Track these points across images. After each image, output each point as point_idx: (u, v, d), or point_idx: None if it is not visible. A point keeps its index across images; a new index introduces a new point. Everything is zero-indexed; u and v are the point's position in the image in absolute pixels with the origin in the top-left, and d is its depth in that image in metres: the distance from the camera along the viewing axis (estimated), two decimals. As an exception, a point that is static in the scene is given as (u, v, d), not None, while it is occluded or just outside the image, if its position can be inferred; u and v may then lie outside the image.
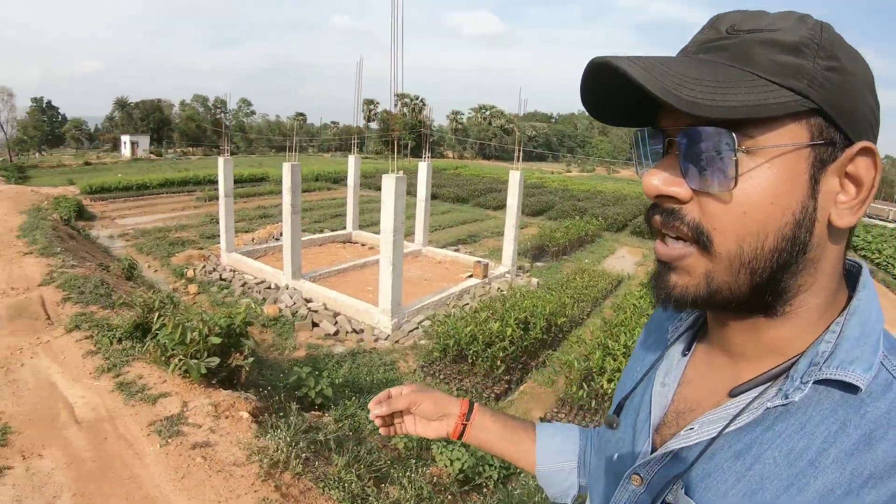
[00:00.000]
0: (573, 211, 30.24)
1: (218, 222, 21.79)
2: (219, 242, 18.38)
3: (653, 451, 0.86)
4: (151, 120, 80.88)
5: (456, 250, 19.95)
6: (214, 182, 35.47)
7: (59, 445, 5.41)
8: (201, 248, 17.96)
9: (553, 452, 1.29)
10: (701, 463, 0.77)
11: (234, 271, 15.65)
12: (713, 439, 0.75)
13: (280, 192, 31.91)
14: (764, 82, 0.65)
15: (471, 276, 15.93)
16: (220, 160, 15.93)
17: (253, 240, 19.15)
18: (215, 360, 6.38)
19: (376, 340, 11.86)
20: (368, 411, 1.31)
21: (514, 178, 16.19)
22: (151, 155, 67.62)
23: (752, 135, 0.66)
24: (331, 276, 15.32)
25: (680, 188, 0.71)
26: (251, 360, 6.98)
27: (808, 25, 0.67)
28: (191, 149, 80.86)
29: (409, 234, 20.84)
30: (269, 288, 14.35)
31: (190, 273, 15.43)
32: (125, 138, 70.63)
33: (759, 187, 0.67)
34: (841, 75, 0.66)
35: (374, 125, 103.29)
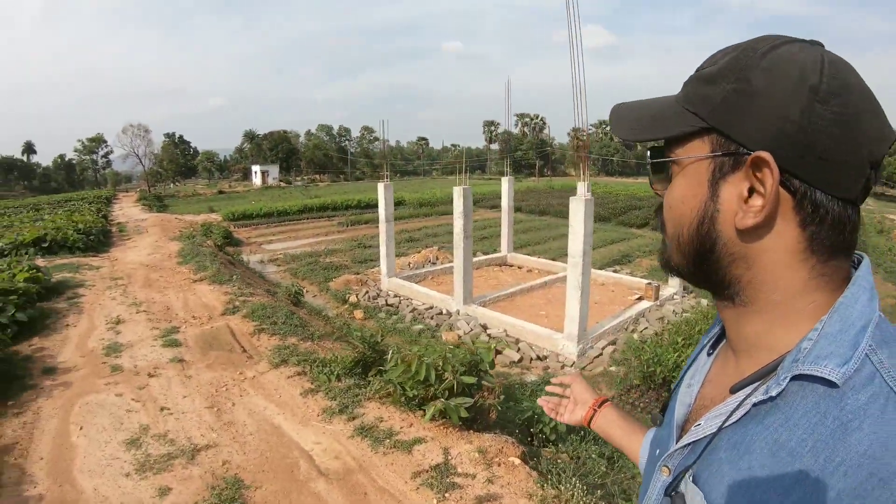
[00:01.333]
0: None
1: (367, 247, 21.55)
2: (373, 267, 18.00)
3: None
4: (280, 150, 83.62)
5: (615, 271, 18.89)
6: (351, 207, 36.15)
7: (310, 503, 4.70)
8: (357, 273, 17.39)
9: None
10: (706, 455, 0.83)
11: (398, 296, 15.01)
12: (715, 433, 0.82)
13: (420, 216, 32.03)
14: (683, 111, 0.82)
15: (640, 298, 14.91)
16: (381, 186, 15.38)
17: (409, 265, 18.51)
18: (468, 401, 5.52)
19: (562, 368, 11.02)
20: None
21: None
22: (281, 183, 69.53)
23: (674, 151, 0.83)
24: (500, 300, 14.50)
25: (658, 187, 0.90)
26: (501, 398, 6.15)
27: (739, 54, 0.78)
28: (318, 176, 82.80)
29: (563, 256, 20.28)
30: (441, 314, 13.63)
31: (353, 298, 14.87)
32: (255, 168, 73.07)
33: (675, 190, 0.84)
34: (748, 96, 0.75)
35: (494, 146, 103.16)
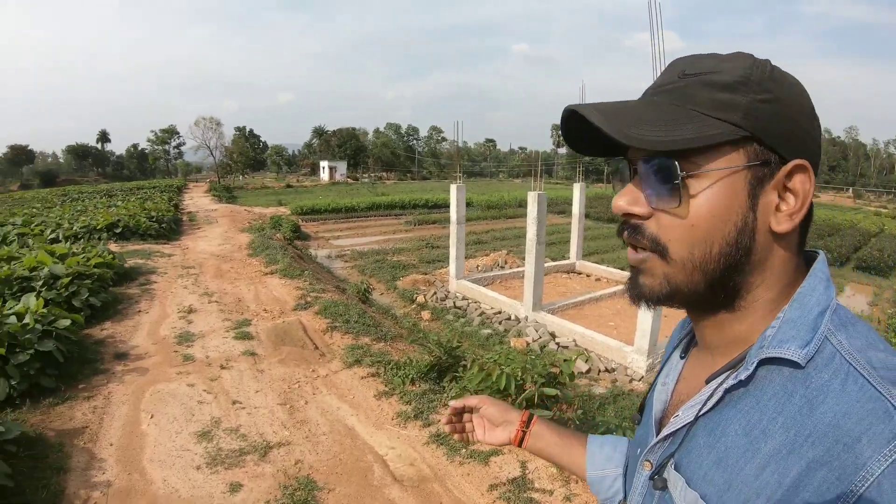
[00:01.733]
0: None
1: (435, 247, 21.40)
2: (441, 268, 17.93)
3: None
4: (348, 147, 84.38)
5: None
6: (418, 206, 36.08)
7: (386, 510, 4.54)
8: (425, 274, 17.27)
9: (602, 460, 1.37)
10: (685, 443, 0.88)
11: (466, 299, 14.84)
12: (692, 422, 0.86)
13: (488, 219, 31.85)
14: (705, 118, 0.78)
15: None
16: (453, 187, 15.12)
17: (478, 267, 18.28)
18: (548, 414, 5.32)
19: (630, 381, 10.70)
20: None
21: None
22: (348, 179, 70.01)
23: (697, 161, 0.79)
24: (568, 308, 14.10)
25: (640, 207, 0.84)
26: (579, 412, 5.96)
27: (745, 65, 0.80)
28: (384, 174, 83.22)
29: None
30: (509, 319, 13.36)
31: (420, 298, 14.74)
32: (324, 163, 73.82)
33: (705, 204, 0.80)
34: (774, 105, 0.78)
35: (562, 150, 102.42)
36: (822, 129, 0.89)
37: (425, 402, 6.30)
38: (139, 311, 9.69)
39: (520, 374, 5.75)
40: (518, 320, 13.26)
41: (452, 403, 1.49)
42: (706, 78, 0.80)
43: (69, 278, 9.59)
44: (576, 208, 18.85)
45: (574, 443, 1.44)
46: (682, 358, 1.05)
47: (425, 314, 13.58)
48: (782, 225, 0.79)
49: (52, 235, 17.69)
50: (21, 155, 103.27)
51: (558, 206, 36.68)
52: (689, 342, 1.06)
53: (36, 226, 19.54)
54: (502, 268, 18.34)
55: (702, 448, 0.84)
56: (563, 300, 14.55)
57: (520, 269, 16.83)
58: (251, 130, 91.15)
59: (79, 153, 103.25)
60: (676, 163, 0.79)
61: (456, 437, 1.52)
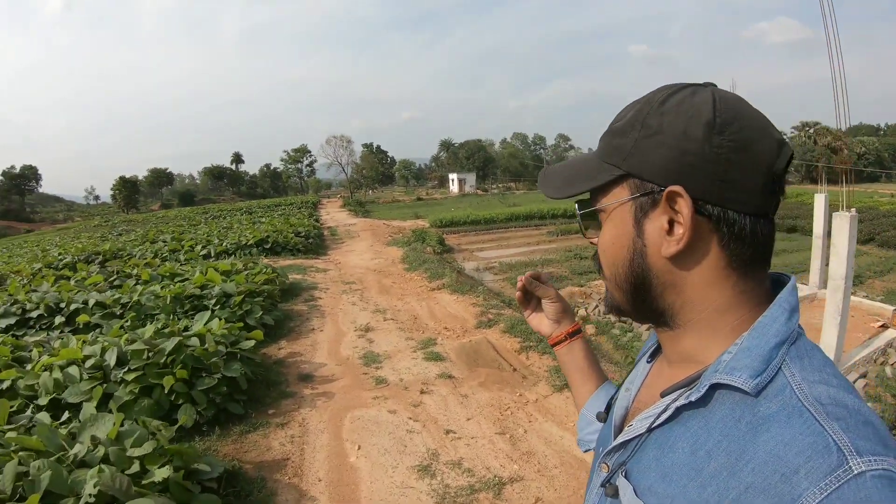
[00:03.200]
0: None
1: (584, 258, 20.56)
2: (594, 279, 16.89)
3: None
4: (476, 158, 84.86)
5: (863, 297, 16.36)
6: (557, 216, 35.32)
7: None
8: (581, 286, 16.39)
9: (597, 404, 1.38)
10: (637, 452, 0.92)
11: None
12: (644, 434, 0.90)
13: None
14: (601, 164, 0.90)
15: (884, 325, 12.82)
16: (819, 197, 13.78)
17: None
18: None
19: None
20: None
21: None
22: (478, 191, 69.91)
23: (599, 200, 0.91)
24: None
25: (592, 237, 0.98)
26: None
27: (642, 106, 0.87)
28: (513, 184, 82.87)
29: (798, 273, 18.37)
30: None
31: (582, 312, 13.82)
32: (453, 175, 74.10)
33: (605, 234, 0.92)
34: (654, 139, 0.83)
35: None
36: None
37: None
38: (313, 329, 9.43)
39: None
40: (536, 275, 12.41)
41: (529, 273, 1.47)
42: (611, 128, 0.91)
43: (241, 296, 9.42)
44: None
45: (593, 378, 1.46)
46: (648, 363, 1.10)
47: (589, 328, 12.79)
48: (669, 248, 0.83)
49: (204, 252, 18.08)
50: (161, 177, 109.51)
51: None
52: (656, 349, 1.10)
53: (187, 242, 19.92)
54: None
55: (651, 460, 0.88)
56: None
57: None
58: (378, 146, 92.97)
59: (215, 174, 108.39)
60: (576, 203, 0.96)
61: (518, 298, 1.48)
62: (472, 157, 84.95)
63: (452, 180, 73.58)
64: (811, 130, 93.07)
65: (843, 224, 9.69)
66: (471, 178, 74.09)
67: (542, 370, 7.48)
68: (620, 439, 0.95)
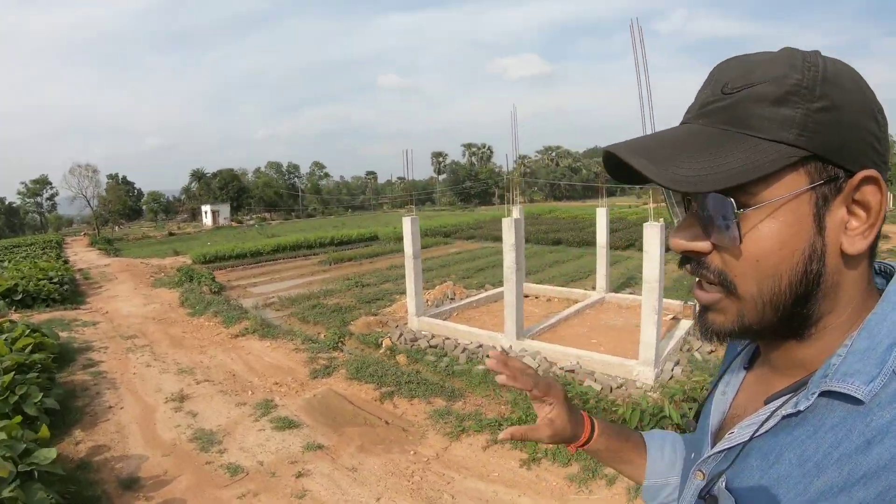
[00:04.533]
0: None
1: (366, 285, 20.25)
2: (385, 306, 16.81)
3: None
4: (230, 188, 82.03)
5: (631, 293, 18.20)
6: (325, 245, 34.73)
7: None
8: (375, 315, 15.88)
9: (664, 468, 1.33)
10: (738, 461, 0.87)
11: (437, 337, 13.59)
12: (746, 442, 0.85)
13: (400, 252, 30.76)
14: (756, 141, 0.72)
15: (675, 318, 14.56)
16: (407, 220, 14.04)
17: (427, 302, 17.08)
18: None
19: (644, 393, 10.30)
20: None
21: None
22: (233, 223, 67.81)
23: (754, 192, 0.74)
24: (543, 332, 13.50)
25: (700, 243, 0.80)
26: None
27: (796, 69, 0.73)
28: (268, 214, 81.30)
29: (577, 280, 20.74)
30: (495, 351, 12.25)
31: (387, 342, 13.16)
32: (206, 208, 71.60)
33: (767, 237, 0.75)
34: (832, 113, 0.71)
35: (443, 177, 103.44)
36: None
37: (586, 456, 5.32)
38: (110, 407, 7.86)
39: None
40: (505, 351, 12.12)
41: (500, 371, 1.28)
42: (752, 92, 0.74)
43: (10, 374, 7.27)
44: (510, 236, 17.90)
45: (630, 448, 1.37)
46: (745, 369, 1.03)
47: (401, 358, 12.21)
48: (856, 245, 0.75)
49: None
50: None
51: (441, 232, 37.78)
52: (753, 352, 1.03)
53: None
54: (452, 300, 17.26)
55: (754, 470, 0.83)
56: (537, 325, 13.90)
57: (470, 299, 16.59)
58: (124, 177, 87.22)
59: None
60: (731, 200, 0.74)
61: (534, 400, 1.30)
62: (226, 188, 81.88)
63: (206, 212, 70.66)
64: (553, 154, 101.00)
65: (654, 233, 10.52)
66: (225, 210, 71.60)
67: (421, 417, 6.87)
68: (720, 447, 0.91)
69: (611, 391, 10.49)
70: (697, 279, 0.84)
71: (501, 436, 1.33)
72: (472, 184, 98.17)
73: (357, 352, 12.52)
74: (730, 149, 0.73)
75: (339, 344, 11.72)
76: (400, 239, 35.21)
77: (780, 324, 0.80)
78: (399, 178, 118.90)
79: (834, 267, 0.76)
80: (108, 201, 76.05)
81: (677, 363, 11.67)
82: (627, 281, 21.24)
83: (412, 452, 6.05)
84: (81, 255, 36.99)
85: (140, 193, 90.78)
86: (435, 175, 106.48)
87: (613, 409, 7.53)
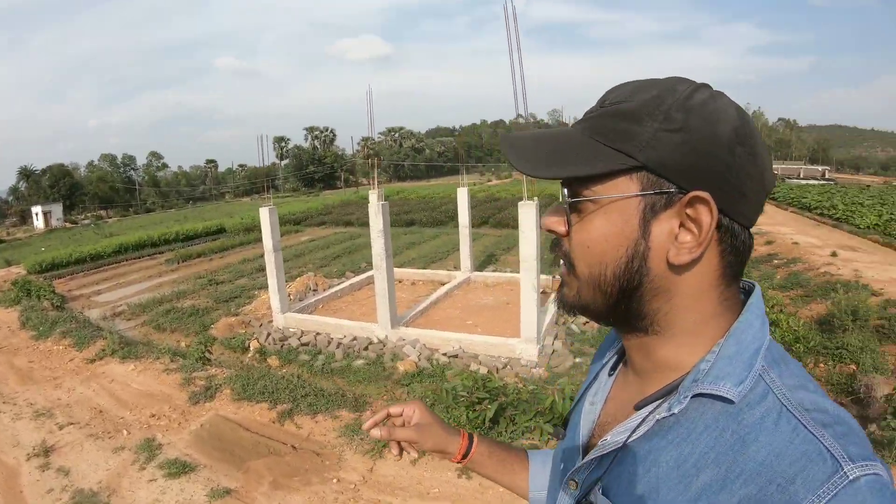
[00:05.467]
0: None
1: (220, 283, 19.26)
2: (244, 304, 16.06)
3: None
4: (62, 186, 76.44)
5: (494, 270, 18.62)
6: (171, 241, 32.90)
7: None
8: (236, 315, 15.05)
9: (546, 479, 1.35)
10: (613, 467, 0.90)
11: (307, 333, 12.98)
12: (620, 448, 0.89)
13: (253, 243, 29.62)
14: (601, 147, 0.82)
15: (543, 292, 14.17)
16: (264, 210, 13.42)
17: (290, 296, 16.30)
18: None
19: (532, 369, 10.60)
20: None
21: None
22: (66, 223, 63.50)
23: (592, 188, 0.84)
24: (416, 319, 13.34)
25: (558, 226, 0.90)
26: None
27: (658, 94, 0.81)
28: (104, 212, 76.76)
29: (437, 261, 20.91)
30: (373, 343, 11.93)
31: (254, 344, 12.48)
32: (37, 209, 66.20)
33: (596, 229, 0.84)
34: (678, 135, 0.78)
35: (285, 163, 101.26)
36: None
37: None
38: None
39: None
40: (381, 342, 11.98)
41: (390, 409, 1.42)
42: (616, 108, 0.83)
43: None
44: (376, 221, 17.48)
45: (515, 465, 1.44)
46: (610, 376, 1.08)
47: (273, 361, 11.59)
48: (681, 257, 0.81)
49: None
50: None
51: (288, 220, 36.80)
52: (617, 360, 1.08)
53: None
54: (315, 291, 16.64)
55: (631, 475, 0.86)
56: (409, 311, 13.65)
57: (334, 289, 16.17)
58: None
59: None
60: (566, 190, 0.87)
61: (394, 450, 1.41)
62: (57, 185, 75.92)
63: (36, 214, 65.71)
64: (397, 135, 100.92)
65: (530, 212, 10.91)
66: (57, 210, 66.55)
67: (331, 436, 6.36)
68: (594, 454, 0.94)
69: (497, 371, 10.43)
70: (553, 253, 0.94)
71: (365, 426, 1.39)
72: (315, 168, 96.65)
73: (226, 359, 11.78)
74: (579, 149, 0.83)
75: (207, 354, 10.91)
76: (249, 230, 34.38)
77: (614, 310, 0.88)
78: (240, 165, 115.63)
79: (660, 270, 0.83)
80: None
81: (556, 337, 11.88)
82: (488, 258, 21.24)
83: (335, 480, 5.53)
84: None
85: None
86: (278, 161, 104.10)
87: (506, 391, 7.35)
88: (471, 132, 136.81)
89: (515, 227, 28.25)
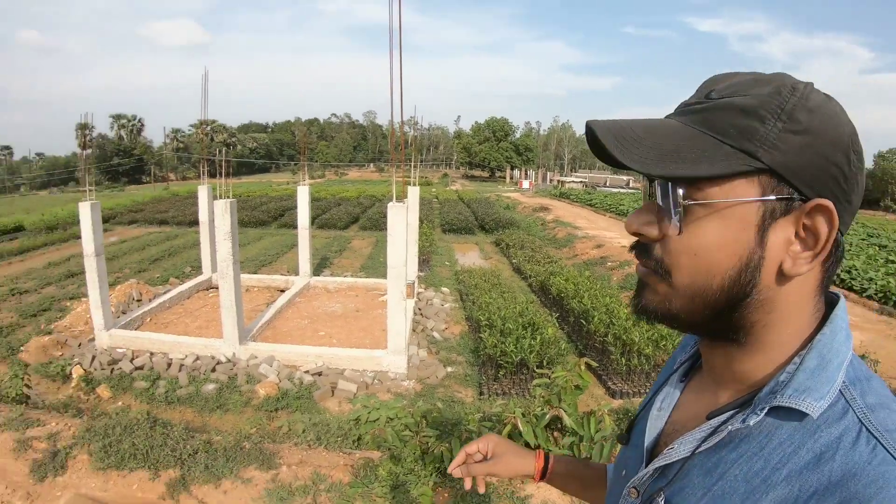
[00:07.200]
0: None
1: (22, 292, 16.63)
2: (56, 319, 13.76)
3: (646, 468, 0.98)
4: None
5: (332, 275, 17.90)
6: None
7: None
8: (49, 333, 12.69)
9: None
10: (678, 478, 0.88)
11: (137, 353, 11.18)
12: (687, 458, 0.87)
13: (57, 243, 26.68)
14: (718, 144, 0.77)
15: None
16: (85, 205, 11.29)
17: (112, 308, 14.20)
18: None
19: (404, 382, 9.94)
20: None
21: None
22: None
23: (707, 190, 0.78)
24: (263, 331, 12.07)
25: (650, 229, 0.85)
26: None
27: (776, 90, 0.77)
28: None
29: (267, 265, 20.09)
30: (221, 363, 10.38)
31: (78, 371, 10.37)
32: None
33: (708, 234, 0.79)
34: (800, 137, 0.75)
35: (88, 152, 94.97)
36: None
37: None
38: None
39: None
40: (230, 361, 10.54)
41: (466, 448, 1.50)
42: (730, 101, 0.78)
43: None
44: (203, 216, 16.28)
45: (591, 475, 1.46)
46: (681, 382, 1.06)
47: (103, 392, 9.75)
48: (797, 267, 0.79)
49: None
50: None
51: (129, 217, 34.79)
52: (689, 367, 1.07)
53: None
54: (139, 301, 14.79)
55: (696, 487, 0.84)
56: (252, 323, 12.33)
57: (162, 298, 14.35)
58: None
59: None
60: (680, 191, 0.79)
61: (467, 483, 1.48)
62: None
63: None
64: (209, 128, 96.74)
65: (399, 214, 9.85)
66: None
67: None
68: (658, 463, 0.93)
69: (367, 388, 9.60)
70: (637, 259, 0.89)
71: (451, 469, 1.50)
72: (122, 160, 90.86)
73: (45, 391, 9.88)
74: (692, 144, 0.77)
75: (26, 387, 9.02)
76: (52, 228, 31.17)
77: (710, 322, 0.84)
78: (38, 154, 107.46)
79: (770, 282, 0.80)
80: None
81: (418, 346, 11.46)
82: (322, 262, 20.55)
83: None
84: None
85: None
86: (81, 150, 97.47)
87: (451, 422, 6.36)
88: (284, 129, 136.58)
89: (343, 228, 28.39)
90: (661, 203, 0.82)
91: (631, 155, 0.77)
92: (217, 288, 15.72)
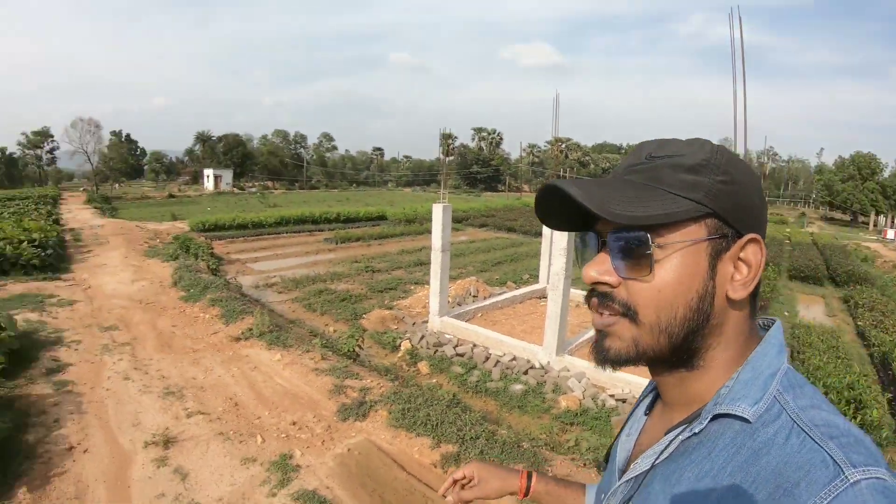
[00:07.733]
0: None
1: (377, 271, 18.35)
2: (399, 298, 15.13)
3: None
4: (234, 154, 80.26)
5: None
6: (331, 221, 32.78)
7: None
8: (390, 308, 14.08)
9: None
10: (642, 488, 0.96)
11: (461, 342, 11.79)
12: (649, 469, 0.95)
13: (412, 234, 28.98)
14: (671, 196, 0.86)
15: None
16: (438, 206, 12.08)
17: (449, 299, 15.09)
18: None
19: None
20: None
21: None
22: (234, 189, 65.94)
23: (663, 234, 0.87)
24: (582, 347, 11.62)
25: (611, 276, 0.91)
26: None
27: (707, 150, 0.89)
28: (270, 183, 79.38)
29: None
30: (534, 368, 10.57)
31: (406, 345, 11.45)
32: (208, 171, 69.41)
33: (670, 272, 0.87)
34: (731, 186, 0.87)
35: (450, 159, 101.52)
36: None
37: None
38: (70, 449, 5.72)
39: None
40: (543, 368, 10.58)
41: (454, 475, 1.59)
42: (672, 160, 0.89)
43: None
44: (545, 228, 16.14)
45: (570, 493, 1.53)
46: (645, 414, 1.13)
47: (422, 367, 10.47)
48: (738, 292, 0.88)
49: None
50: None
51: (479, 220, 35.93)
52: (653, 400, 1.13)
53: None
54: (475, 297, 15.44)
55: (658, 493, 0.91)
56: (574, 338, 12.03)
57: (496, 298, 14.65)
58: (128, 135, 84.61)
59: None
60: (648, 235, 0.87)
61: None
62: (230, 153, 79.45)
63: (208, 176, 68.78)
64: (563, 145, 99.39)
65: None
66: (227, 175, 69.56)
67: (505, 500, 4.81)
68: (626, 477, 1.00)
69: None
70: (596, 309, 0.94)
71: (440, 492, 1.62)
72: (480, 169, 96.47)
73: (374, 355, 10.81)
74: (651, 198, 0.86)
75: (358, 347, 9.98)
76: (410, 221, 33.94)
77: (672, 352, 0.91)
78: (406, 156, 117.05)
79: (720, 308, 0.89)
80: (110, 158, 73.78)
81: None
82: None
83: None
84: (77, 213, 34.44)
85: (143, 152, 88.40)
86: (442, 156, 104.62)
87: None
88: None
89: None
90: (628, 248, 0.88)
91: (607, 203, 0.84)
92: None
